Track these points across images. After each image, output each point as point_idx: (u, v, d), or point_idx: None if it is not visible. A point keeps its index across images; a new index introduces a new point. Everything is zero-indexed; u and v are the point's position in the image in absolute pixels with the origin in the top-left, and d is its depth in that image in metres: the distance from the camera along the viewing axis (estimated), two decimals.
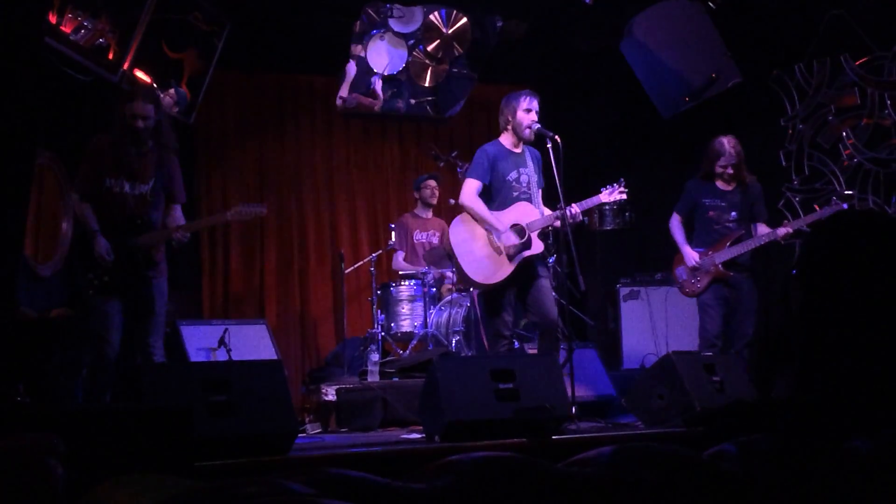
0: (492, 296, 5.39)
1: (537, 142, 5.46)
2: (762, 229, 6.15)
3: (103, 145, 5.13)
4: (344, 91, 7.94)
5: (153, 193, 5.18)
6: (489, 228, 5.34)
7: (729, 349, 6.02)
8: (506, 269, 5.30)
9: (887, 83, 6.78)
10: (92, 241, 5.00)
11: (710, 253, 6.13)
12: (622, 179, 5.66)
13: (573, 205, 5.33)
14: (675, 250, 6.34)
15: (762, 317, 6.56)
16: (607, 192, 5.62)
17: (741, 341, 6.04)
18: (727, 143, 6.17)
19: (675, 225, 6.31)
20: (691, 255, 6.16)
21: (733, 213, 6.16)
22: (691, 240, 6.28)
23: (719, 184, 6.22)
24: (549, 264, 5.53)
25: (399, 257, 7.70)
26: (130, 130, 5.07)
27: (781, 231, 5.99)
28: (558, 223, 5.26)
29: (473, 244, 5.37)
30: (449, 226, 5.59)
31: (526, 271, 5.34)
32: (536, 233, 5.33)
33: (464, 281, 5.63)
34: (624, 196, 5.63)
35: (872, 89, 6.86)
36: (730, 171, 6.15)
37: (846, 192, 6.94)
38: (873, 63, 6.86)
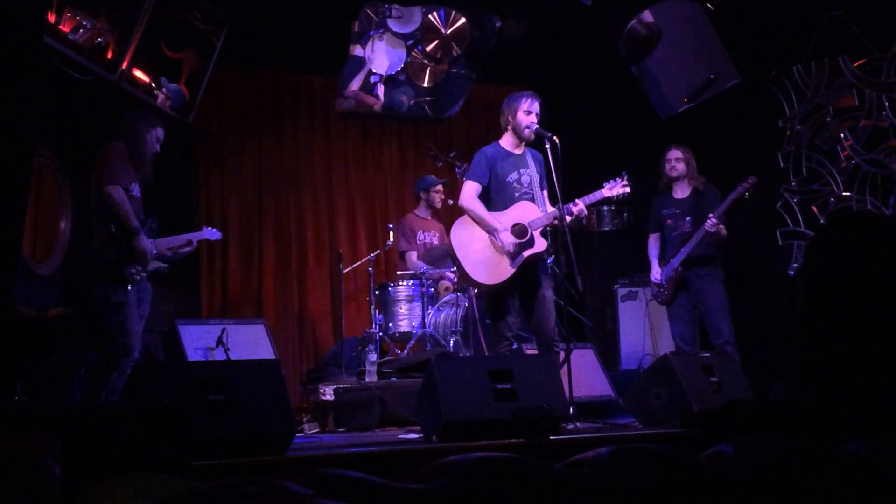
0: (495, 297, 5.39)
1: (537, 143, 5.46)
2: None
3: (126, 151, 5.46)
4: (356, 83, 7.90)
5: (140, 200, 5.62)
6: (489, 229, 5.34)
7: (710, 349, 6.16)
8: (508, 269, 5.29)
9: (885, 85, 6.78)
10: (135, 238, 5.30)
11: (669, 261, 6.41)
12: (624, 173, 5.65)
13: (577, 200, 5.33)
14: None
15: (776, 319, 6.63)
16: (609, 186, 5.61)
17: (718, 339, 6.17)
18: (675, 146, 6.63)
19: (651, 245, 6.65)
20: (654, 275, 6.51)
21: (688, 219, 6.44)
22: (663, 255, 6.57)
23: (676, 193, 6.56)
24: (549, 265, 5.51)
25: (413, 257, 7.67)
26: (148, 149, 5.52)
27: (708, 224, 6.21)
28: (567, 217, 5.25)
29: (474, 245, 5.37)
30: (449, 229, 5.59)
31: (528, 275, 5.33)
32: (539, 231, 5.33)
33: (468, 282, 5.66)
34: (627, 190, 5.62)
35: (870, 91, 6.87)
36: (675, 164, 6.49)
37: (844, 194, 6.95)
38: (871, 65, 6.86)
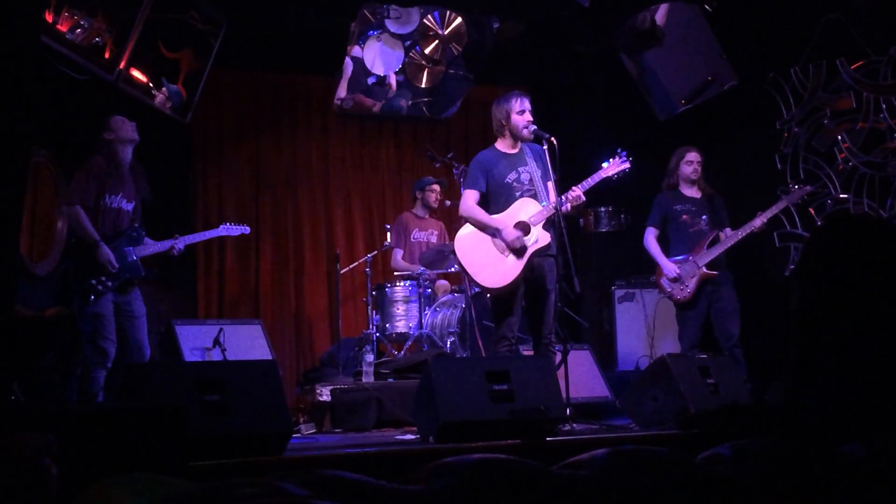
0: (502, 297, 5.37)
1: (535, 142, 5.46)
2: (730, 232, 6.39)
3: (102, 165, 5.55)
4: (342, 91, 7.91)
5: (136, 210, 5.73)
6: (491, 232, 5.34)
7: (718, 351, 6.13)
8: (515, 267, 5.28)
9: (882, 87, 6.79)
10: (94, 249, 5.40)
11: (690, 257, 6.36)
12: (620, 149, 5.57)
13: (574, 188, 5.32)
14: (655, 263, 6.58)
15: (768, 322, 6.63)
16: (609, 165, 5.56)
17: (728, 342, 6.18)
18: (694, 148, 6.61)
19: (650, 239, 6.58)
20: (671, 268, 6.39)
21: (704, 217, 6.46)
22: (667, 249, 6.53)
23: (686, 191, 6.56)
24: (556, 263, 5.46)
25: (398, 255, 7.69)
26: (122, 158, 5.58)
27: (758, 221, 6.21)
28: (564, 207, 5.23)
29: (478, 251, 5.37)
30: (450, 228, 5.61)
31: (535, 276, 5.33)
32: (540, 225, 5.32)
33: (479, 288, 5.69)
34: (627, 166, 5.52)
35: (867, 93, 6.87)
36: (697, 167, 6.49)
37: (841, 196, 6.95)
38: (868, 67, 6.87)
